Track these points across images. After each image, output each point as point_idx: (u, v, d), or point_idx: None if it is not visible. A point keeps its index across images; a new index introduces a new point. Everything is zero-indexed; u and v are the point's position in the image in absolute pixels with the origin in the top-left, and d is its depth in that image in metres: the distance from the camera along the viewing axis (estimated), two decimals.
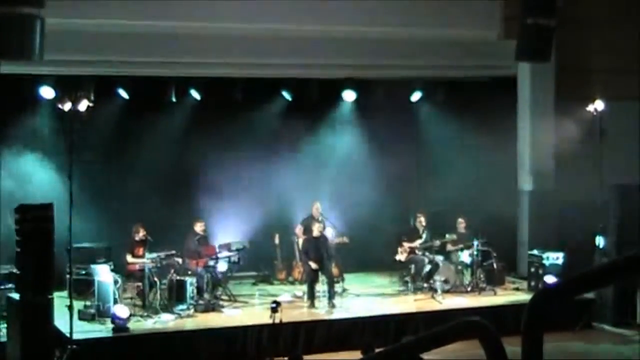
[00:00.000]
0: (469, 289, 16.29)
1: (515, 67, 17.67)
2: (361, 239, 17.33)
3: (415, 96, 18.25)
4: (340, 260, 16.80)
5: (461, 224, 17.00)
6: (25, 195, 14.65)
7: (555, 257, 16.30)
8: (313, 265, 15.32)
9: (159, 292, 14.52)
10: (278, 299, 13.46)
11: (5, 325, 12.86)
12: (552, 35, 15.57)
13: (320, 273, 15.42)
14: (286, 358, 11.85)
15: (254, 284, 17.24)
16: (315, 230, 15.72)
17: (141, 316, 14.11)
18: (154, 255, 14.64)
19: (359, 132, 18.39)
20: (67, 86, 14.38)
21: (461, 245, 16.69)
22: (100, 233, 16.10)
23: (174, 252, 15.05)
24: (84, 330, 13.31)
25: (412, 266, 16.52)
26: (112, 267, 14.82)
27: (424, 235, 16.73)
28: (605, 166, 16.16)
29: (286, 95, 17.59)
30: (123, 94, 16.38)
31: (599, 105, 16.39)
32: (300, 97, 17.65)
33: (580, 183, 16.31)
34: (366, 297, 16.15)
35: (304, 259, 15.82)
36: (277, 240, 17.39)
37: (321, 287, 15.49)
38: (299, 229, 17.02)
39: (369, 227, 17.78)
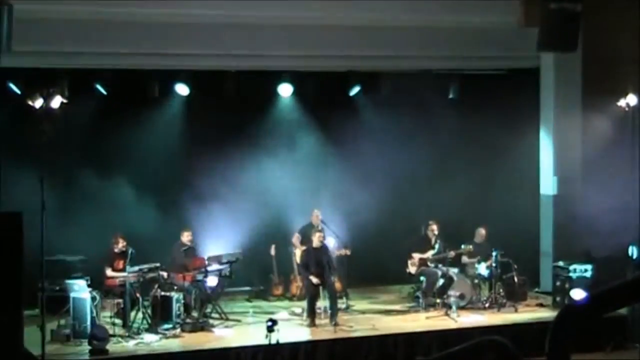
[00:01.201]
0: (487, 305, 16.26)
1: (538, 58, 17.65)
2: (366, 250, 17.30)
3: (426, 90, 18.19)
4: (343, 274, 16.77)
5: (479, 233, 16.96)
6: None
7: (582, 270, 16.26)
8: (313, 279, 15.30)
9: (141, 309, 14.50)
10: (274, 316, 13.43)
11: None
12: (578, 21, 15.57)
13: (321, 288, 15.39)
14: None
15: (247, 300, 17.22)
16: (316, 240, 15.69)
17: (122, 337, 14.07)
18: (136, 268, 14.60)
19: (364, 130, 18.36)
20: (38, 80, 14.37)
21: (478, 257, 16.65)
22: (76, 244, 16.02)
23: (158, 265, 15.02)
24: (58, 353, 13.28)
25: (424, 280, 16.48)
26: (89, 282, 14.79)
27: (437, 246, 16.69)
28: (638, 168, 16.13)
29: (283, 89, 17.56)
30: (101, 89, 16.34)
31: (631, 99, 16.36)
32: (299, 92, 17.63)
33: (610, 187, 16.27)
34: (372, 314, 16.14)
35: (302, 272, 15.79)
36: (273, 252, 17.34)
37: (322, 303, 15.45)
38: (296, 239, 17.00)
39: (375, 236, 17.74)
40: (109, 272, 15.00)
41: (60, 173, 15.65)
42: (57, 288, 15.09)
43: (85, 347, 13.50)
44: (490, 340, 3.56)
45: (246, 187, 17.45)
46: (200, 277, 15.40)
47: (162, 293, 14.76)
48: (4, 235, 12.00)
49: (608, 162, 16.77)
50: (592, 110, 17.25)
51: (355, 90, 17.82)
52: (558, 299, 16.44)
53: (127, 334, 14.15)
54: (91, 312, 14.08)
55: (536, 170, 18.09)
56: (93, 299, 14.26)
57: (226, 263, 15.75)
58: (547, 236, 17.87)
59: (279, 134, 17.88)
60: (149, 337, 14.09)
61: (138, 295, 14.49)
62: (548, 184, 17.90)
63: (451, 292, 15.97)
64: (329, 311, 15.20)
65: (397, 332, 14.81)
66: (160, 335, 14.24)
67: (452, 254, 16.59)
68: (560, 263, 16.64)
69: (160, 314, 14.61)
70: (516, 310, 16.13)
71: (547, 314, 15.97)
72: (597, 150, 17.17)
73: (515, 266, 16.55)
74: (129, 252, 14.84)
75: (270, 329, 12.14)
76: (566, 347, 3.28)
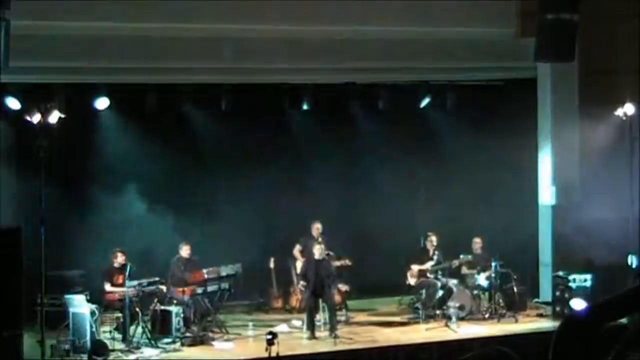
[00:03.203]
0: (486, 315, 16.23)
1: (535, 68, 17.64)
2: (366, 262, 17.26)
3: (424, 102, 18.22)
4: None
5: (477, 243, 16.93)
6: None
7: (582, 280, 16.23)
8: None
9: (141, 324, 14.45)
10: (274, 329, 13.37)
11: None
12: (575, 32, 15.53)
13: (320, 300, 15.36)
14: None
15: (247, 313, 17.17)
16: (316, 252, 15.65)
17: (121, 351, 14.05)
18: (135, 283, 14.56)
19: (362, 142, 18.36)
20: (36, 96, 14.34)
21: (478, 268, 16.62)
22: (75, 259, 16.01)
23: (157, 279, 14.99)
24: None
25: (423, 291, 16.44)
26: (89, 296, 14.74)
27: (436, 257, 16.66)
28: (636, 177, 16.11)
29: (282, 102, 17.57)
30: (99, 104, 16.31)
31: (628, 109, 16.34)
32: (297, 105, 17.63)
33: (609, 196, 16.24)
34: (372, 325, 16.09)
35: (301, 283, 15.75)
36: (272, 265, 17.31)
37: (322, 315, 15.42)
38: (297, 251, 16.97)
39: (374, 248, 17.71)
40: (108, 286, 14.94)
41: (60, 188, 15.60)
42: (56, 303, 15.02)
43: None
44: (495, 350, 3.53)
45: (245, 200, 17.42)
46: (199, 290, 15.36)
47: (162, 307, 14.73)
48: (3, 250, 12.00)
49: (606, 171, 16.75)
50: (589, 120, 17.23)
51: (353, 102, 17.81)
52: (558, 309, 16.40)
53: (126, 349, 14.11)
54: (91, 327, 14.02)
55: (535, 181, 18.07)
56: (92, 313, 14.20)
57: (225, 277, 15.71)
58: (547, 246, 17.83)
59: (279, 147, 17.85)
60: (148, 352, 14.05)
61: (137, 309, 14.44)
62: (547, 194, 17.87)
63: (451, 303, 15.94)
64: (329, 323, 15.17)
65: (397, 344, 14.77)
66: (160, 350, 14.20)
67: (455, 262, 16.52)
68: (560, 273, 16.61)
69: (160, 328, 14.58)
70: (516, 321, 16.09)
71: (547, 324, 15.93)
72: (595, 160, 17.14)
73: (515, 276, 16.53)
74: (128, 266, 14.79)
75: (270, 342, 12.08)
76: (569, 358, 3.26)
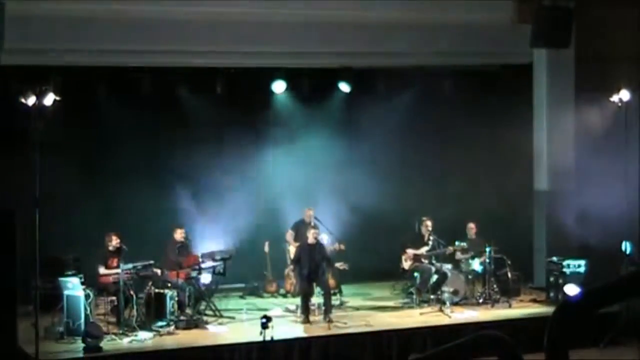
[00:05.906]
0: (480, 300, 16.26)
1: (531, 54, 17.64)
2: (360, 246, 17.27)
3: (418, 87, 18.19)
4: (336, 270, 16.75)
5: (472, 229, 16.95)
6: None
7: (576, 265, 16.26)
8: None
9: (135, 307, 14.43)
10: (268, 313, 13.37)
11: None
12: (571, 18, 15.56)
13: (314, 284, 15.38)
14: None
15: (241, 297, 17.20)
16: (310, 236, 15.65)
17: (115, 334, 14.02)
18: (130, 266, 14.54)
19: (357, 127, 18.35)
20: (31, 78, 14.29)
21: (472, 253, 16.63)
22: (69, 242, 15.99)
23: (151, 262, 14.95)
24: (51, 351, 13.21)
25: (417, 276, 16.45)
26: (83, 279, 14.70)
27: (430, 242, 16.67)
28: (631, 163, 16.12)
29: (276, 86, 17.55)
30: (94, 87, 16.26)
31: (624, 95, 16.35)
32: (291, 89, 17.62)
33: (603, 182, 16.26)
34: (366, 310, 16.11)
35: (295, 268, 15.78)
36: (266, 249, 17.32)
37: (316, 299, 15.43)
38: (290, 235, 16.97)
39: (369, 232, 17.72)
40: (103, 269, 14.90)
41: (54, 171, 15.58)
42: (51, 285, 15.00)
43: (79, 344, 13.43)
44: (490, 334, 3.54)
45: (239, 183, 17.42)
46: (194, 274, 15.36)
47: (156, 290, 14.72)
48: None
49: (601, 157, 16.76)
50: (585, 106, 17.25)
51: (348, 87, 17.80)
52: (552, 294, 16.44)
53: (121, 332, 14.11)
54: (85, 309, 14.02)
55: (530, 166, 18.08)
56: (87, 296, 14.18)
57: (220, 260, 15.71)
58: (541, 232, 17.87)
59: (273, 131, 17.84)
60: (142, 335, 14.04)
61: (132, 292, 14.44)
62: (541, 180, 17.90)
63: (445, 288, 15.96)
64: (323, 308, 15.19)
65: (391, 329, 14.77)
66: (154, 333, 14.19)
67: (450, 249, 16.52)
68: (554, 258, 16.63)
69: (154, 311, 14.57)
70: (510, 306, 16.12)
71: (541, 309, 15.97)
72: (590, 146, 17.16)
73: (509, 262, 16.55)
74: (123, 249, 14.78)
75: (264, 326, 12.10)
76: (565, 343, 3.27)
